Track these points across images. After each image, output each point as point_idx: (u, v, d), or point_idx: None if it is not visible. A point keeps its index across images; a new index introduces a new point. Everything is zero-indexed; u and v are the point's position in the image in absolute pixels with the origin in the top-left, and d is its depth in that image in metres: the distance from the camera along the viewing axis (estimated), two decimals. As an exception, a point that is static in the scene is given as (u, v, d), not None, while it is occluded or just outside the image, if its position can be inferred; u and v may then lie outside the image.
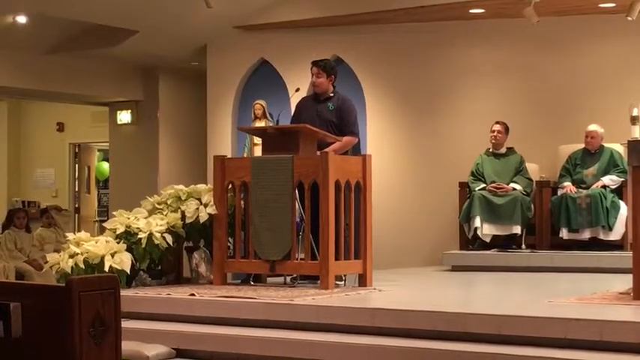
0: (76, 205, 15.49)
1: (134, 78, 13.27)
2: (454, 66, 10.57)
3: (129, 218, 7.31)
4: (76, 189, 15.57)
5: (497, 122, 9.78)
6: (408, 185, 10.73)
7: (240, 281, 7.59)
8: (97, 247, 6.93)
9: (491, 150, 9.79)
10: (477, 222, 9.26)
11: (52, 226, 12.22)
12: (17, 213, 12.29)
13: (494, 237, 9.34)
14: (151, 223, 7.21)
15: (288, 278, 7.39)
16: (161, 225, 7.22)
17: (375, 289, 6.93)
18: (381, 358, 5.22)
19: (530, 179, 9.60)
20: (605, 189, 9.15)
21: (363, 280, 7.09)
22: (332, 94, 7.62)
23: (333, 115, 7.52)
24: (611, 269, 8.21)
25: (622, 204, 8.95)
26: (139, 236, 7.12)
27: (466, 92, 10.55)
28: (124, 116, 13.62)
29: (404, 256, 10.31)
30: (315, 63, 7.65)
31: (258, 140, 9.89)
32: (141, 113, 13.46)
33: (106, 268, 6.78)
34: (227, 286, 7.05)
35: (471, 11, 9.98)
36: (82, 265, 6.84)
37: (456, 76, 10.57)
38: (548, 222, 9.35)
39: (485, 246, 9.33)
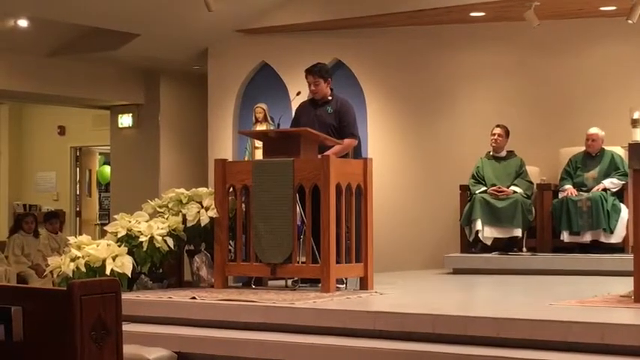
0: (77, 209, 15.49)
1: (135, 81, 13.27)
2: (455, 69, 10.57)
3: (130, 221, 7.31)
4: (77, 192, 15.57)
5: (498, 125, 9.79)
6: (408, 188, 10.73)
7: (241, 284, 7.59)
8: (99, 250, 6.93)
9: (491, 153, 9.80)
10: (478, 225, 9.27)
11: (56, 233, 12.14)
12: (26, 217, 12.18)
13: (496, 240, 9.35)
14: (152, 226, 7.21)
15: (290, 281, 7.40)
16: (162, 228, 7.22)
17: (376, 292, 6.93)
18: (382, 361, 5.23)
19: (531, 182, 9.60)
20: (606, 192, 9.15)
21: (364, 283, 7.09)
22: (330, 98, 7.62)
23: (332, 119, 7.53)
24: (612, 272, 8.21)
25: (623, 207, 8.95)
26: (141, 239, 7.13)
27: (467, 95, 10.56)
28: (125, 120, 13.62)
29: (405, 259, 10.31)
30: (309, 71, 7.60)
31: (259, 144, 9.89)
32: (142, 117, 13.46)
33: (108, 272, 6.78)
34: (228, 290, 7.05)
35: (471, 14, 9.98)
36: (83, 269, 6.85)
37: (456, 79, 10.57)
38: (549, 225, 9.35)
39: (487, 249, 9.34)
